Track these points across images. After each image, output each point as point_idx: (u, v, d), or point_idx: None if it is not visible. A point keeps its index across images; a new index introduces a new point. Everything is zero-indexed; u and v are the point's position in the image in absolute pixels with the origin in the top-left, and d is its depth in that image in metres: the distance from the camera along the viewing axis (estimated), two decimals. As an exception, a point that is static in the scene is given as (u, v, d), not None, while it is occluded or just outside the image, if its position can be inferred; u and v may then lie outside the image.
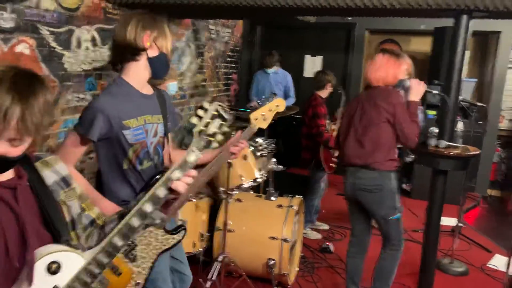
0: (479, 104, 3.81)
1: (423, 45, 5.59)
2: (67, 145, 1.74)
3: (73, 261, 1.12)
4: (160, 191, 1.19)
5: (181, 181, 1.22)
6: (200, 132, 1.24)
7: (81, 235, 1.28)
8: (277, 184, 3.39)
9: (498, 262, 3.66)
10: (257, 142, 3.26)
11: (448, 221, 4.21)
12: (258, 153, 3.19)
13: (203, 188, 2.63)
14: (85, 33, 3.21)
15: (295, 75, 5.94)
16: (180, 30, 4.67)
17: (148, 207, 1.18)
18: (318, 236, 4.00)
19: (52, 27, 2.93)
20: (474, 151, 3.43)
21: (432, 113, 5.40)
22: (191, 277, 2.16)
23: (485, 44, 5.71)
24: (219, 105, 1.27)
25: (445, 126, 2.91)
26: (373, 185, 2.60)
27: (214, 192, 3.18)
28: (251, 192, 3.51)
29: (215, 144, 1.25)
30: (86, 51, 3.24)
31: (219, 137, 1.26)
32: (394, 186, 2.61)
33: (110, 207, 1.68)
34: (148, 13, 1.74)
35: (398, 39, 6.04)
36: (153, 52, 1.72)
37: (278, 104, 2.04)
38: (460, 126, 3.48)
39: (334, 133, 4.08)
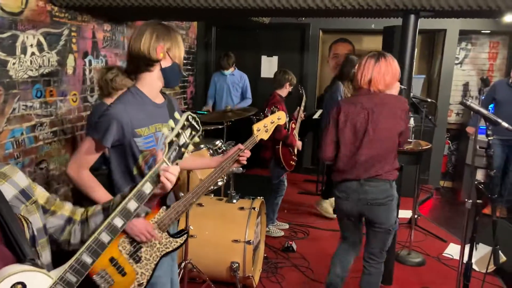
0: (429, 100, 3.97)
1: (375, 43, 5.76)
2: (83, 151, 1.78)
3: (39, 282, 1.05)
4: (146, 187, 1.23)
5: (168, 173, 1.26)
6: (172, 142, 1.26)
7: (45, 248, 1.21)
8: (237, 186, 3.37)
9: (453, 251, 3.82)
10: (216, 144, 3.23)
11: (405, 214, 4.36)
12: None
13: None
14: (30, 38, 3.06)
15: (253, 75, 5.96)
16: (133, 33, 4.56)
17: (118, 222, 1.18)
18: (281, 233, 4.03)
19: (-6, 32, 2.76)
20: (425, 145, 3.58)
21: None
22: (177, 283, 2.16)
23: (432, 41, 5.97)
24: (190, 115, 1.31)
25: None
26: (385, 197, 2.41)
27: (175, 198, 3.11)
28: (212, 195, 3.48)
29: (186, 155, 1.29)
30: (32, 56, 3.08)
31: (190, 147, 1.30)
32: (397, 195, 2.50)
33: None
34: (161, 23, 1.80)
35: (350, 38, 6.19)
36: (166, 63, 1.78)
37: (280, 117, 2.12)
38: (411, 121, 3.60)
39: (295, 131, 4.13)
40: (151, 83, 1.80)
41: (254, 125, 2.07)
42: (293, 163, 4.07)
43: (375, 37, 5.78)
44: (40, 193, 1.25)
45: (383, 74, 2.37)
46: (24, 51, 3.00)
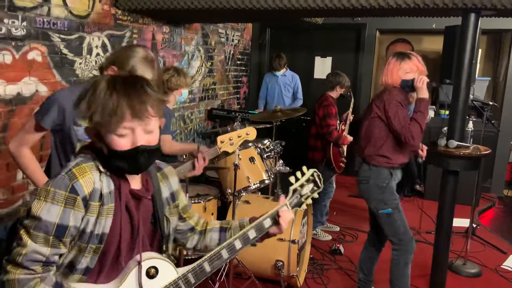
0: (491, 103, 3.75)
1: (435, 44, 5.53)
2: (25, 129, 1.89)
3: (167, 271, 1.24)
4: (266, 222, 1.38)
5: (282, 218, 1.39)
6: (295, 190, 1.44)
7: (181, 243, 1.48)
8: (284, 186, 3.39)
9: (513, 263, 3.59)
10: (264, 143, 3.27)
11: (462, 222, 4.15)
12: (265, 155, 3.20)
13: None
14: (95, 40, 3.28)
15: (306, 76, 5.95)
16: (190, 35, 4.72)
17: (252, 233, 1.36)
18: (328, 237, 3.99)
19: (63, 34, 3.00)
20: (485, 151, 3.38)
21: (444, 112, 5.36)
22: None
23: (498, 42, 5.62)
24: (316, 172, 1.48)
25: (455, 125, 2.88)
26: (362, 177, 2.67)
27: (222, 194, 3.20)
28: (259, 193, 3.52)
29: (304, 206, 1.45)
30: (97, 57, 3.31)
31: (309, 200, 1.46)
32: (382, 182, 2.60)
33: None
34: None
35: (409, 39, 5.99)
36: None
37: (249, 132, 2.15)
38: (470, 125, 3.42)
39: (344, 133, 4.08)
40: None
41: (218, 137, 2.11)
42: (342, 164, 4.02)
43: (436, 37, 5.54)
44: (182, 200, 1.44)
45: (384, 74, 2.66)
46: (89, 51, 3.23)
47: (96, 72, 3.30)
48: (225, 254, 1.32)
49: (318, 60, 6.21)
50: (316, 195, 1.46)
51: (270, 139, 3.44)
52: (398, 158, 2.62)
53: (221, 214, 3.23)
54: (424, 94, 2.52)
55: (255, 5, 3.00)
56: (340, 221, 4.40)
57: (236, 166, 2.81)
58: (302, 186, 1.45)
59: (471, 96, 3.13)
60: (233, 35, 5.78)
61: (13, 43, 2.64)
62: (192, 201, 2.94)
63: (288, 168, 3.13)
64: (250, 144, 3.09)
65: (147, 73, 1.75)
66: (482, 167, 3.71)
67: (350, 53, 6.03)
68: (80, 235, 1.15)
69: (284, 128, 4.46)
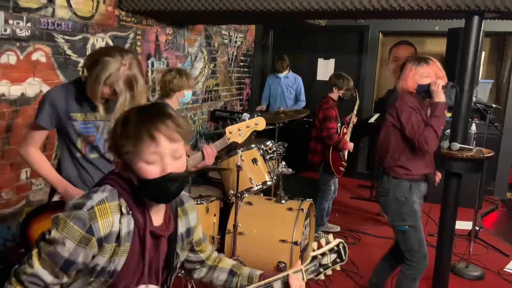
0: (494, 105, 3.74)
1: (438, 46, 5.51)
2: (28, 131, 1.96)
3: None
4: (276, 284, 1.31)
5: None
6: (314, 258, 1.33)
7: (187, 271, 1.50)
8: (287, 187, 3.39)
9: (516, 266, 3.57)
10: (267, 144, 3.27)
11: (465, 225, 4.14)
12: (268, 157, 3.20)
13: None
14: (99, 41, 3.29)
15: (309, 78, 5.95)
16: (193, 36, 4.74)
17: None
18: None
19: (67, 35, 3.01)
20: (488, 153, 3.38)
21: (447, 115, 5.34)
22: None
23: (502, 44, 5.61)
24: (342, 243, 1.37)
25: (458, 128, 2.88)
26: (381, 188, 2.60)
27: (224, 195, 3.20)
28: (261, 195, 3.53)
29: (321, 276, 1.34)
30: (100, 57, 3.32)
31: (329, 271, 1.34)
32: (401, 195, 2.50)
33: (60, 183, 1.90)
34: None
35: (412, 41, 5.93)
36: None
37: (258, 122, 2.10)
38: (473, 128, 3.41)
39: (346, 137, 4.06)
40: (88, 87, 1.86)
41: (227, 128, 2.07)
42: (342, 168, 4.00)
43: (439, 40, 5.53)
44: (198, 234, 1.44)
45: (400, 79, 2.57)
46: (93, 52, 3.24)
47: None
48: None
49: (321, 62, 6.21)
50: (338, 268, 1.35)
51: (272, 141, 3.44)
52: (418, 169, 2.50)
53: (224, 215, 3.23)
54: (440, 97, 2.41)
55: (259, 7, 3.01)
56: (342, 223, 4.39)
57: (239, 168, 2.82)
58: (323, 255, 1.34)
59: (474, 99, 3.13)
60: (236, 37, 5.79)
61: (17, 44, 2.66)
62: (195, 202, 2.94)
63: (290, 169, 3.13)
64: (252, 145, 3.09)
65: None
66: (485, 169, 3.71)
67: (353, 55, 6.03)
68: (90, 271, 1.16)
69: (286, 130, 4.46)
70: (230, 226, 3.03)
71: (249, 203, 3.19)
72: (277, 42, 6.39)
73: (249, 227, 3.04)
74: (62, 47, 2.98)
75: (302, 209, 3.06)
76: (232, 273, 1.45)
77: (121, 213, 1.17)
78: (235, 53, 5.81)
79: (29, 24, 2.71)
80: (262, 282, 1.31)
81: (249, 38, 6.24)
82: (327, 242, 1.36)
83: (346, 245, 1.38)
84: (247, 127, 2.08)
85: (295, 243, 2.92)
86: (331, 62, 6.16)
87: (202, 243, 1.46)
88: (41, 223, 1.90)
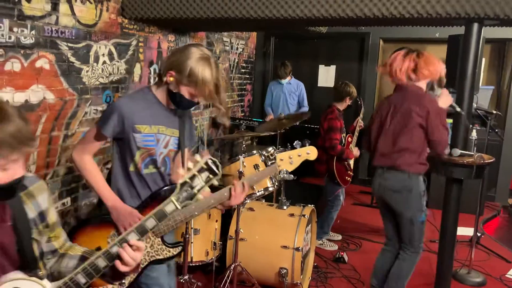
0: (494, 111, 3.76)
1: (439, 53, 5.52)
2: (86, 137, 1.91)
3: None
4: (113, 248, 1.24)
5: (131, 251, 1.23)
6: (184, 183, 1.24)
7: (46, 263, 1.36)
8: (288, 193, 3.40)
9: (518, 272, 3.57)
10: (268, 151, 3.28)
11: (467, 231, 4.14)
12: (269, 163, 3.21)
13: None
14: (102, 48, 3.32)
15: (310, 85, 5.97)
16: (195, 43, 4.78)
17: (101, 263, 1.23)
18: (334, 247, 3.98)
19: (71, 42, 3.04)
20: (488, 159, 3.39)
21: (448, 121, 5.35)
22: None
23: (503, 51, 5.63)
24: (211, 159, 1.27)
25: (459, 134, 2.89)
26: (401, 186, 2.66)
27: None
28: (263, 201, 3.54)
29: (199, 196, 1.25)
30: (103, 65, 3.35)
31: (207, 188, 1.26)
32: (422, 189, 2.67)
33: (110, 198, 1.84)
34: (204, 57, 1.81)
35: (413, 47, 5.98)
36: (173, 88, 1.82)
37: (309, 152, 2.05)
38: (474, 134, 3.43)
39: (351, 145, 4.07)
40: (163, 93, 1.87)
41: (278, 155, 2.03)
42: (348, 178, 3.98)
43: (439, 46, 5.55)
44: (52, 218, 1.34)
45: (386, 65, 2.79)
46: (96, 59, 3.27)
47: (102, 80, 3.35)
48: (102, 262, 1.23)
49: (322, 68, 6.24)
50: (215, 182, 1.26)
51: (274, 147, 3.45)
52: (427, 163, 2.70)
53: (225, 221, 3.24)
54: (446, 105, 2.66)
55: (260, 15, 3.04)
56: (344, 229, 4.39)
57: (241, 173, 2.83)
58: (193, 177, 1.24)
59: (474, 105, 3.14)
60: (238, 44, 5.83)
61: (22, 51, 2.69)
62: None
63: (292, 175, 3.14)
64: (254, 151, 3.11)
65: (206, 71, 1.77)
66: (486, 176, 3.71)
67: (354, 62, 6.06)
68: None
69: (288, 136, 4.48)
70: (232, 232, 3.04)
71: (251, 209, 3.20)
72: (278, 49, 6.43)
73: (251, 233, 3.05)
74: (65, 54, 3.01)
75: (304, 215, 3.07)
76: (83, 258, 1.33)
77: None
78: (236, 60, 5.84)
79: (33, 32, 2.74)
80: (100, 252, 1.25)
81: (251, 45, 6.28)
82: (195, 162, 1.25)
83: (215, 159, 1.28)
84: (298, 155, 2.06)
85: (297, 249, 2.92)
86: (332, 68, 6.19)
87: (56, 228, 1.36)
88: (83, 237, 1.86)
